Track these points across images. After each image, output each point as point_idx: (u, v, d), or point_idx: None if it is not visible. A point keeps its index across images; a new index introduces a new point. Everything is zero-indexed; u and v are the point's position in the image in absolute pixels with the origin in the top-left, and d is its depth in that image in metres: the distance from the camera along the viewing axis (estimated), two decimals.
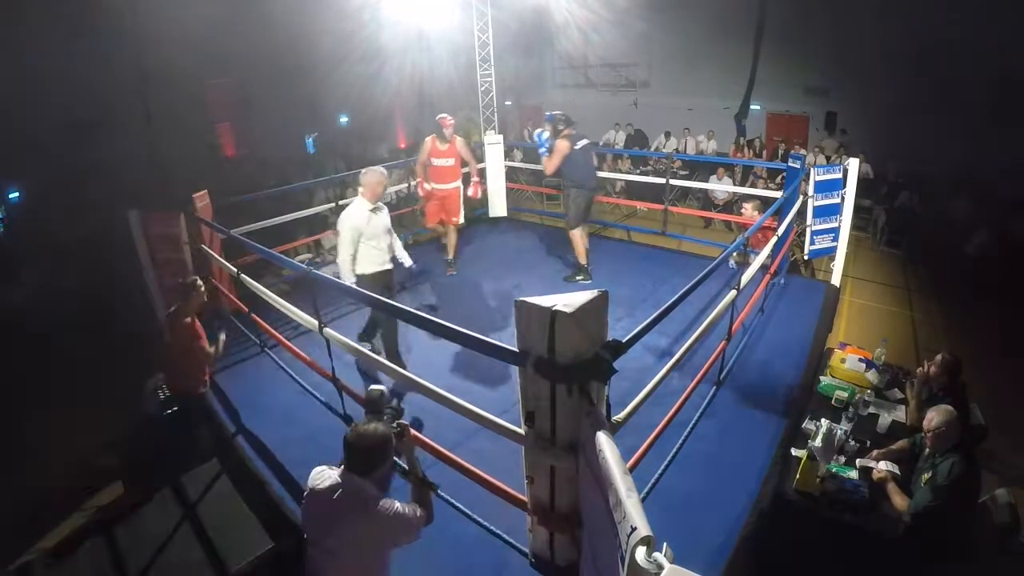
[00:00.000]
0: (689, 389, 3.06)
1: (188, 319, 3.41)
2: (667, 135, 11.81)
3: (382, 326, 3.90)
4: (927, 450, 2.70)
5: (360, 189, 3.65)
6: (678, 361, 2.75)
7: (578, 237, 5.21)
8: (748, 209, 5.45)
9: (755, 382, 3.72)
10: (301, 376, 3.86)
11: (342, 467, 1.82)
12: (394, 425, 1.97)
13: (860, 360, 3.66)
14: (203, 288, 3.60)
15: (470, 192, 5.64)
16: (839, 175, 4.82)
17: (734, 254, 3.78)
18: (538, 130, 5.17)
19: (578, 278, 5.33)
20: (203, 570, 2.70)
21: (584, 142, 5.04)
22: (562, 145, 4.85)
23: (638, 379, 2.75)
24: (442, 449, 2.60)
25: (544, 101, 14.97)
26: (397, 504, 1.78)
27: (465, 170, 5.54)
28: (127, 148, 9.10)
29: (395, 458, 1.97)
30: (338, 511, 1.73)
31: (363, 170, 3.69)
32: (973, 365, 3.67)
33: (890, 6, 9.23)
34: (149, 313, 4.58)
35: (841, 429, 3.06)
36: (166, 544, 2.86)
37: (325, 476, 1.82)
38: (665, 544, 1.15)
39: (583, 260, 5.30)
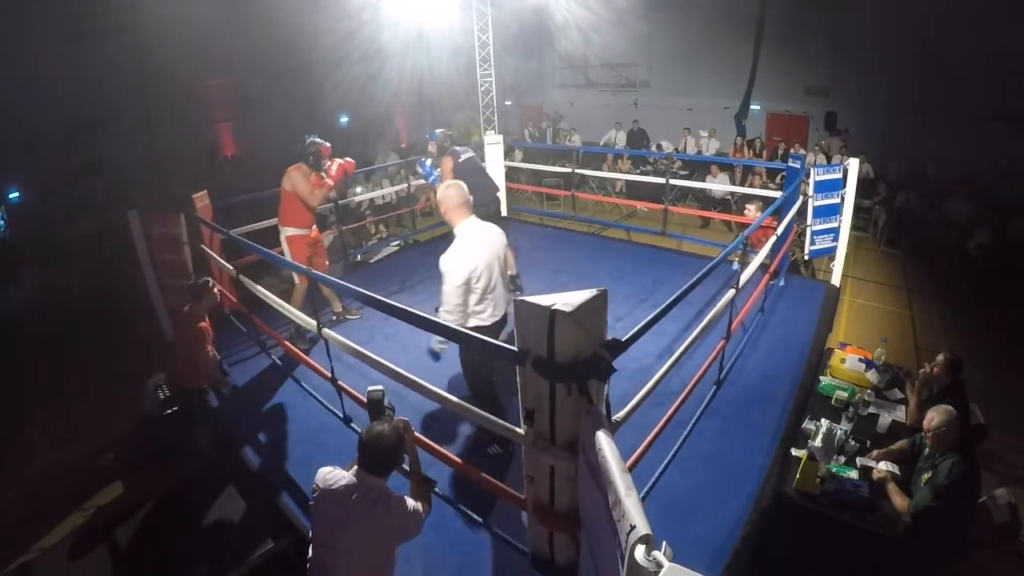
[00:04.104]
0: (689, 388, 3.05)
1: (200, 321, 3.51)
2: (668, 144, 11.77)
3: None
4: (927, 450, 2.70)
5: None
6: (677, 360, 2.75)
7: None
8: (751, 211, 5.46)
9: (755, 382, 3.71)
10: (300, 376, 3.87)
11: (354, 467, 1.86)
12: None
13: (860, 360, 3.66)
14: (215, 289, 3.68)
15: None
16: (839, 175, 4.82)
17: (737, 254, 3.77)
18: (421, 158, 4.55)
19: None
20: (203, 570, 2.71)
21: (468, 155, 4.50)
22: (446, 163, 4.40)
23: (638, 378, 2.75)
24: (442, 449, 2.60)
25: (544, 101, 14.98)
26: (410, 501, 1.87)
27: None
28: (127, 148, 9.11)
29: None
30: (356, 510, 1.78)
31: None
32: (973, 365, 3.68)
33: (890, 6, 9.22)
34: (149, 313, 4.58)
35: (841, 429, 3.06)
36: (166, 544, 2.87)
37: (337, 476, 1.85)
38: (664, 542, 1.14)
39: None
